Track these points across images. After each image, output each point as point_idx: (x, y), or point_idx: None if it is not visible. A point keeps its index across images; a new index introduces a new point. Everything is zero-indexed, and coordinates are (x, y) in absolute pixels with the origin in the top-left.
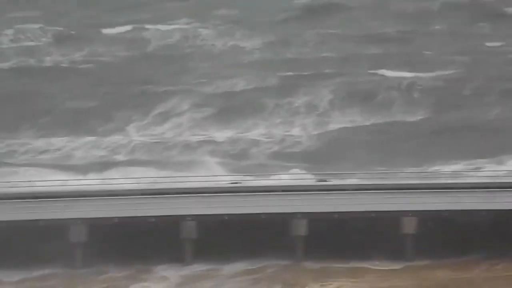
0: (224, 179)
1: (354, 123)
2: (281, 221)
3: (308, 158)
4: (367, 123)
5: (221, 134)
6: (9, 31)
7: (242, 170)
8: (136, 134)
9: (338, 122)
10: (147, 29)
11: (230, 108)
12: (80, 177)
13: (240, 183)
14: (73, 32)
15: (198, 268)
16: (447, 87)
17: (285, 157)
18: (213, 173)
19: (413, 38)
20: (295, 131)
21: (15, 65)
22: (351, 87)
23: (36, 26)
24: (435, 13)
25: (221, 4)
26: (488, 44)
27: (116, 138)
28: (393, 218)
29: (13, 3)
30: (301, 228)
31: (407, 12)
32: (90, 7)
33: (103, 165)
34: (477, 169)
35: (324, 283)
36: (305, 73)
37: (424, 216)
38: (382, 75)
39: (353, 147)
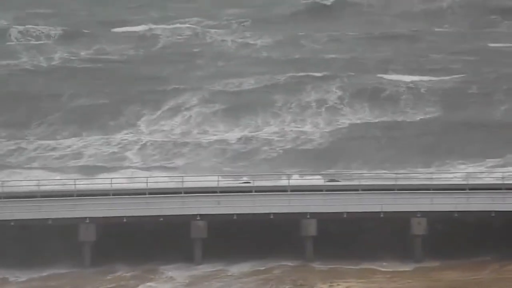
0: (234, 179)
1: (363, 120)
2: (290, 221)
3: (320, 156)
4: (376, 120)
5: (232, 134)
6: (20, 28)
7: (254, 168)
8: (146, 131)
9: (348, 120)
10: (157, 28)
11: (240, 106)
12: (89, 175)
13: (250, 182)
14: (86, 31)
15: (206, 268)
16: (455, 86)
17: (297, 154)
18: (223, 173)
19: (422, 37)
20: (307, 128)
21: (25, 63)
22: (359, 87)
23: (47, 23)
24: (443, 11)
25: (232, 3)
26: (496, 44)
27: (126, 136)
28: (403, 219)
29: (24, 0)
30: (310, 229)
31: (415, 11)
32: (101, 6)
33: (113, 164)
34: (486, 169)
35: (332, 284)
36: (315, 72)
37: (433, 217)
38: (390, 75)
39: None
